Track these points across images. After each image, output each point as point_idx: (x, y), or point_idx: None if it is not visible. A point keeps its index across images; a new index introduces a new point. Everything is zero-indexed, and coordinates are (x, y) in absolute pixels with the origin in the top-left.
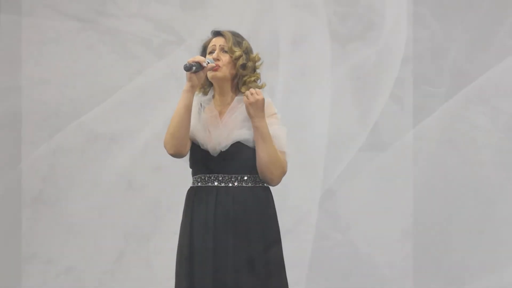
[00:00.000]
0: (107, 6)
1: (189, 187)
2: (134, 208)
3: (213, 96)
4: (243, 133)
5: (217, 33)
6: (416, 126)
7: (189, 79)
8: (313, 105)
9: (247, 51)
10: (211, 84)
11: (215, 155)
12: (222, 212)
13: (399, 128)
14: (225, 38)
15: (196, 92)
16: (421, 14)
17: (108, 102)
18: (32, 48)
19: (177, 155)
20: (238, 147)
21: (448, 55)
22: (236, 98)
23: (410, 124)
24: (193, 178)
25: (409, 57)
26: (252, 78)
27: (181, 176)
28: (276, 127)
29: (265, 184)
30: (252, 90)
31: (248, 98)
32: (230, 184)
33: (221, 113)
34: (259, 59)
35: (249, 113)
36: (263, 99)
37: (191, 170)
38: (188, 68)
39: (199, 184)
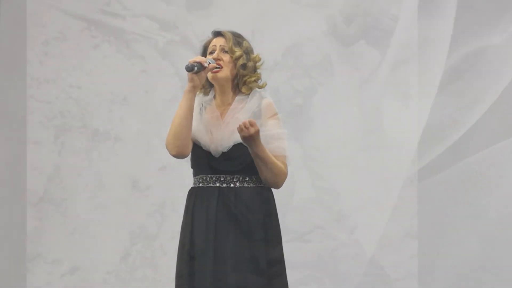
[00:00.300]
0: (112, 6)
1: (190, 188)
2: (139, 208)
3: (214, 97)
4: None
5: (217, 33)
6: (421, 125)
7: (191, 80)
8: (316, 105)
9: (248, 51)
10: (211, 84)
11: (217, 156)
12: (224, 212)
13: (404, 127)
14: (225, 38)
15: (197, 92)
16: (427, 14)
17: (113, 102)
18: (37, 48)
19: (179, 155)
20: (239, 147)
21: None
22: (237, 98)
23: (415, 124)
24: (194, 179)
25: (414, 57)
26: (253, 78)
27: (186, 176)
28: (278, 130)
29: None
30: (246, 122)
31: (242, 131)
32: (232, 185)
33: (222, 114)
34: (259, 59)
35: (244, 142)
36: (258, 131)
37: (192, 170)
38: (189, 68)
39: (200, 184)
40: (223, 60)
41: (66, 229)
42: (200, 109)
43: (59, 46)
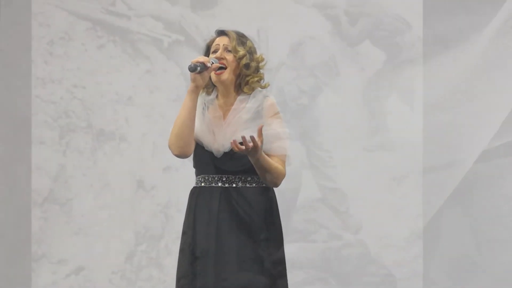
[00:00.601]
0: (117, 6)
1: (192, 187)
2: (144, 208)
3: (216, 96)
4: (246, 134)
5: (221, 33)
6: (426, 126)
7: (194, 80)
8: (321, 105)
9: (251, 51)
10: (214, 84)
11: (219, 156)
12: (226, 212)
13: (409, 127)
14: (229, 38)
15: (200, 92)
16: (432, 14)
17: (118, 102)
18: (42, 48)
19: (181, 155)
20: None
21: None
22: (239, 98)
23: (420, 124)
24: (196, 178)
25: (419, 57)
26: (255, 79)
27: (191, 177)
28: (280, 130)
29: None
30: (247, 138)
31: (242, 146)
32: (234, 185)
33: (224, 114)
34: (262, 59)
35: (246, 153)
36: (259, 147)
37: (194, 170)
38: (192, 68)
39: (202, 184)
40: (226, 59)
41: (71, 229)
42: (203, 108)
43: (64, 46)
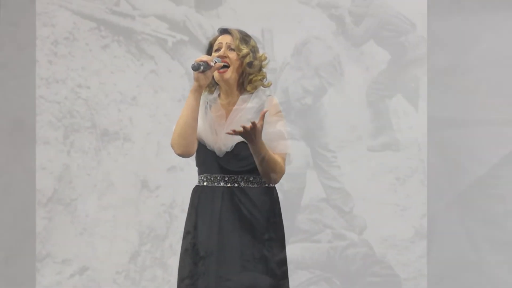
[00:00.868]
0: (121, 6)
1: (194, 186)
2: (148, 208)
3: (219, 95)
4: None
5: (224, 31)
6: (430, 125)
7: (197, 79)
8: (326, 104)
9: (254, 50)
10: (216, 83)
11: (221, 155)
12: (228, 212)
13: (413, 127)
14: (232, 36)
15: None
16: (436, 14)
17: (122, 102)
18: (46, 48)
19: (184, 155)
20: (243, 147)
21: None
22: (241, 97)
23: (424, 124)
24: (199, 177)
25: (423, 57)
26: (259, 77)
27: (195, 176)
28: (281, 128)
29: (271, 184)
30: (246, 127)
31: (242, 129)
32: (236, 185)
33: (227, 113)
34: (265, 58)
35: (245, 139)
36: (258, 131)
37: (197, 169)
38: (196, 67)
39: (205, 183)
40: (229, 58)
41: (75, 229)
42: (206, 107)
43: (69, 46)
